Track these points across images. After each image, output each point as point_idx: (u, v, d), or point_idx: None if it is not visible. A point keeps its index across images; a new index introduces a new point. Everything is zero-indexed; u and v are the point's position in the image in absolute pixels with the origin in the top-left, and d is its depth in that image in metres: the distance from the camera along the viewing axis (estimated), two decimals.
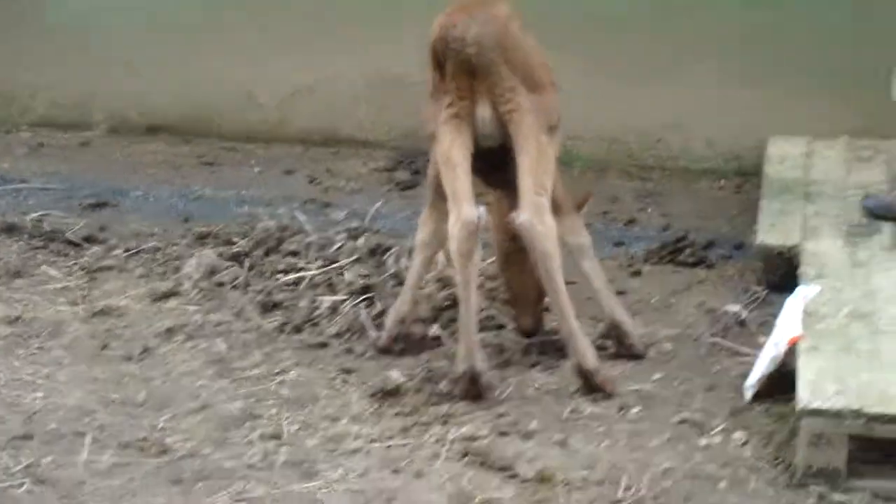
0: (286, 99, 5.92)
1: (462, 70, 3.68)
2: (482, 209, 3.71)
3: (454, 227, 3.69)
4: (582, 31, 5.41)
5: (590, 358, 3.77)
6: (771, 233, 4.52)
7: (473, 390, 3.75)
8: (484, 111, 3.70)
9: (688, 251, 4.84)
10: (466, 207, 3.67)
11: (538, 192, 3.68)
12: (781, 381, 3.70)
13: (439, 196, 3.85)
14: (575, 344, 3.77)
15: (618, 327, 4.01)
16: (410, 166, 5.65)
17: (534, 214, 3.66)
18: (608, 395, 3.77)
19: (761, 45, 5.45)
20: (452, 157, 3.71)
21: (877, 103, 5.33)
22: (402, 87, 5.76)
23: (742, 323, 4.25)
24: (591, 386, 3.77)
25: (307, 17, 5.81)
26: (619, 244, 4.97)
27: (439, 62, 3.74)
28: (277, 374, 3.97)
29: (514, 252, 3.90)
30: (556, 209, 3.84)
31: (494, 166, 3.80)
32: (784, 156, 5.24)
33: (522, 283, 3.96)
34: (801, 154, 5.26)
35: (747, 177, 5.51)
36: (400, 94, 5.77)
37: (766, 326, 4.17)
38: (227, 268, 4.53)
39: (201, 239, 4.81)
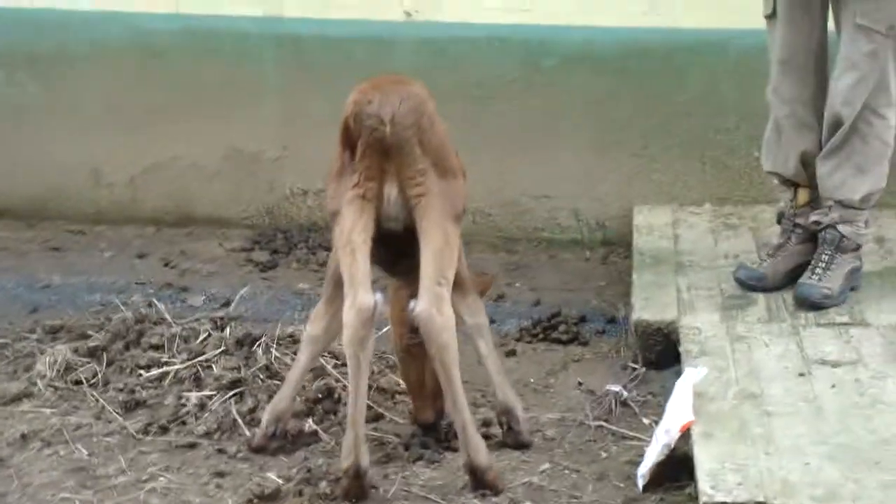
0: (136, 178, 5.67)
1: (374, 148, 3.51)
2: (379, 296, 3.54)
3: (349, 314, 3.50)
4: (444, 102, 5.28)
5: (483, 454, 3.60)
6: (646, 308, 4.44)
7: (357, 489, 3.56)
8: (391, 191, 3.54)
9: (561, 328, 4.74)
10: (362, 293, 3.49)
11: (439, 283, 3.52)
12: (672, 467, 3.60)
13: (338, 289, 3.65)
14: (468, 439, 3.59)
15: (509, 413, 3.86)
16: (269, 246, 5.47)
17: (432, 304, 3.50)
18: (497, 492, 3.61)
19: (623, 114, 5.42)
20: (353, 239, 3.54)
21: (739, 169, 5.39)
22: (259, 163, 5.60)
23: (624, 403, 4.15)
24: (481, 483, 3.60)
25: (157, 92, 5.59)
26: (490, 322, 4.82)
27: (350, 139, 3.57)
28: (145, 480, 3.69)
29: (415, 344, 3.74)
30: (457, 287, 3.69)
31: (397, 254, 3.65)
32: (651, 225, 5.20)
33: (422, 375, 3.83)
34: (668, 223, 5.23)
35: (613, 246, 5.48)
36: (256, 171, 5.60)
37: (649, 406, 4.11)
38: (83, 364, 4.25)
39: (53, 333, 4.52)
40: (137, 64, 5.60)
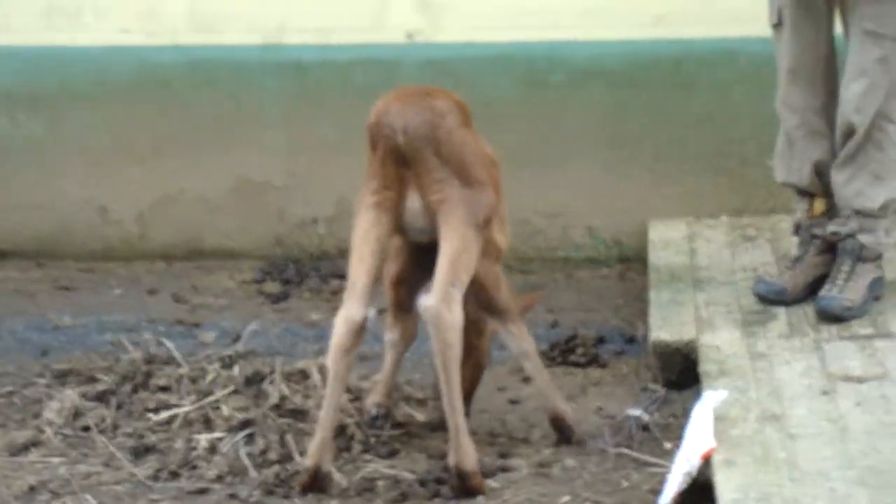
0: (144, 212, 5.61)
1: (391, 157, 3.61)
2: (373, 312, 3.65)
3: (339, 322, 3.63)
4: None
5: (471, 459, 3.62)
6: (664, 328, 4.34)
7: (314, 488, 3.65)
8: (413, 202, 3.64)
9: (579, 350, 4.65)
10: (356, 306, 3.61)
11: (453, 284, 3.58)
12: (694, 496, 3.50)
13: (395, 292, 3.87)
14: (459, 443, 3.61)
15: (560, 420, 3.98)
16: (280, 276, 5.40)
17: (442, 302, 3.56)
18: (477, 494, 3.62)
19: (634, 128, 5.33)
20: (362, 249, 3.65)
21: (754, 179, 5.29)
22: (267, 192, 5.53)
23: (645, 427, 4.05)
24: (464, 488, 3.61)
25: (162, 125, 5.53)
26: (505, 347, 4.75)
27: (373, 145, 3.67)
28: None
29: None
30: (499, 313, 3.87)
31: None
32: (667, 241, 5.11)
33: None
34: (684, 237, 5.14)
35: (629, 263, 5.39)
36: (265, 201, 5.53)
37: (670, 430, 4.02)
38: (92, 409, 4.17)
39: (61, 377, 4.43)
40: (140, 98, 5.53)
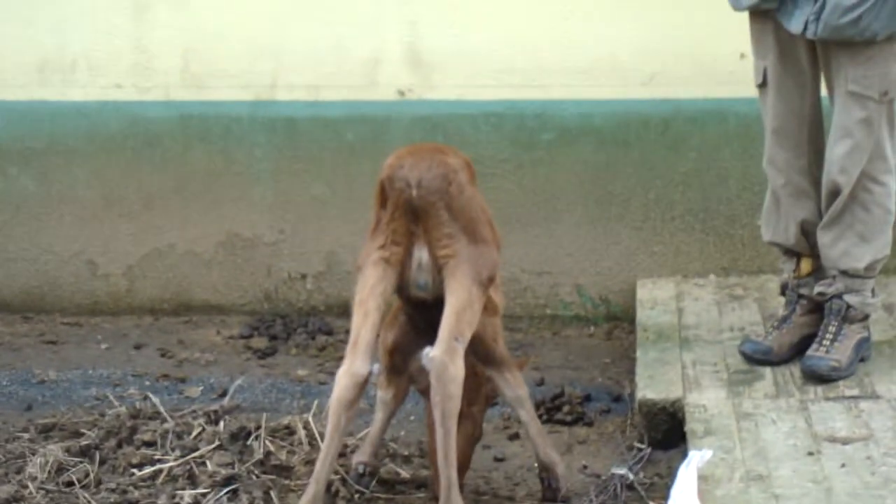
0: (133, 267, 5.60)
1: (402, 211, 3.63)
2: (376, 367, 3.68)
3: (342, 376, 3.64)
4: None
5: None
6: (651, 386, 4.34)
7: None
8: (421, 255, 3.66)
9: (566, 408, 4.65)
10: (360, 361, 3.62)
11: (456, 339, 3.60)
12: None
13: (391, 357, 3.88)
14: (449, 495, 3.58)
15: (549, 471, 3.96)
16: (268, 332, 5.39)
17: (446, 354, 3.57)
18: None
19: (623, 186, 5.36)
20: (367, 304, 3.66)
21: (742, 238, 5.31)
22: (256, 248, 5.54)
23: (630, 486, 4.04)
24: None
25: (152, 180, 5.54)
26: (493, 404, 4.74)
27: (384, 200, 3.69)
28: None
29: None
30: (495, 363, 3.89)
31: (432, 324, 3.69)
32: (655, 299, 5.12)
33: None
34: (672, 296, 5.15)
35: (617, 321, 5.39)
36: (254, 256, 5.54)
37: (655, 489, 4.01)
38: (75, 464, 4.14)
39: (46, 432, 4.41)
40: (131, 153, 5.55)
